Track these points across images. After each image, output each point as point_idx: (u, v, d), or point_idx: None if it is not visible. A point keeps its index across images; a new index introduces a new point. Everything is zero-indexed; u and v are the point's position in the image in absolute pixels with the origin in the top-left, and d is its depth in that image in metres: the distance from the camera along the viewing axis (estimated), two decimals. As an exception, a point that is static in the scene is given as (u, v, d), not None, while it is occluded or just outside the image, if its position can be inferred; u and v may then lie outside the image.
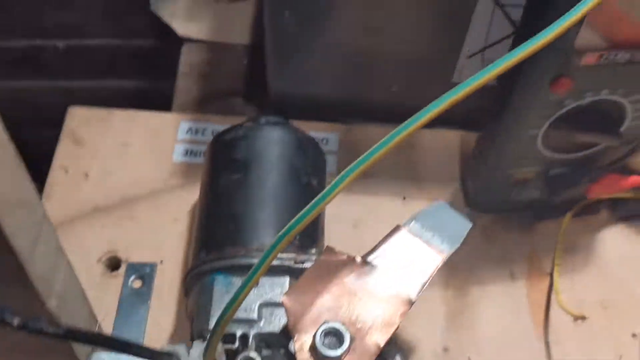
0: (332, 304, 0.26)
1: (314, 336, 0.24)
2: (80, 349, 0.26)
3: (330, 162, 0.43)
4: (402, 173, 0.43)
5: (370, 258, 0.27)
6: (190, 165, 0.43)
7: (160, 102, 0.52)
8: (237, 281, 0.30)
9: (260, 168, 0.34)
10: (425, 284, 0.27)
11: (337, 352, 0.24)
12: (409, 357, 0.37)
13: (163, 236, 0.40)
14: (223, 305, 0.23)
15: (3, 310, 0.18)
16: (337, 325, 0.24)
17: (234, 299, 0.23)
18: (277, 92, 0.45)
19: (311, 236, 0.33)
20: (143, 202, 0.41)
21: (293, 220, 0.22)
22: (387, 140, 0.24)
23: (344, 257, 0.27)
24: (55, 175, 0.43)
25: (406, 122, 0.25)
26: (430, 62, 0.41)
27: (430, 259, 0.27)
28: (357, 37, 0.39)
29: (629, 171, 0.40)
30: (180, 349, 0.27)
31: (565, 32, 0.24)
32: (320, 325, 0.25)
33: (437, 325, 0.38)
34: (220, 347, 0.28)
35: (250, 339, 0.28)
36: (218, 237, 0.33)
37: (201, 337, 0.29)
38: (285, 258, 0.31)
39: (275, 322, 0.29)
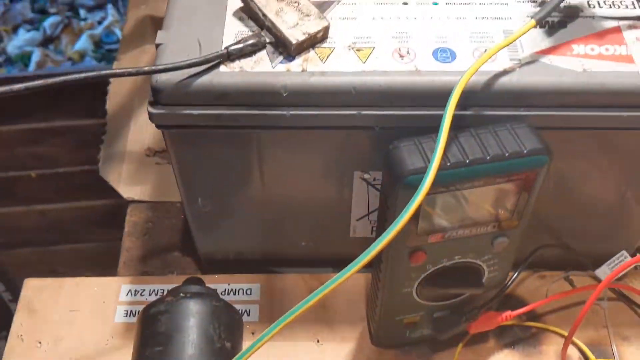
0: None
1: None
2: None
3: (253, 311, 0.50)
4: (314, 316, 0.50)
5: None
6: (130, 325, 0.49)
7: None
8: None
9: (179, 340, 0.41)
10: None
11: None
12: None
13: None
14: None
15: None
16: None
17: None
18: (203, 252, 0.52)
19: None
20: (89, 365, 0.47)
21: None
22: (288, 315, 0.32)
23: None
24: (13, 343, 0.49)
25: (311, 295, 0.33)
26: (329, 223, 0.48)
27: None
28: (267, 208, 0.47)
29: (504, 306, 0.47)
30: None
31: (405, 226, 0.32)
32: None
33: None
34: None
35: None
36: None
37: None
38: None
39: None
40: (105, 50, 1.54)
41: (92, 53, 1.55)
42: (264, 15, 0.38)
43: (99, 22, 1.51)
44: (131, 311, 0.50)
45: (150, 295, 0.51)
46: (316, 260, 0.51)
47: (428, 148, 0.35)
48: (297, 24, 0.37)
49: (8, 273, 1.23)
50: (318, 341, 0.49)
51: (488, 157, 0.35)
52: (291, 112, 0.38)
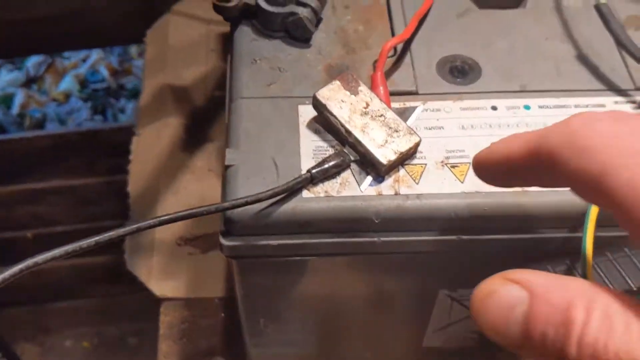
0: None
1: None
2: None
3: None
4: None
5: None
6: None
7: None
8: None
9: None
10: None
11: None
12: None
13: None
14: None
15: None
16: None
17: None
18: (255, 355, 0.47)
19: None
20: None
21: None
22: None
23: None
24: None
25: None
26: (400, 336, 0.44)
27: None
28: (335, 324, 0.42)
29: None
30: None
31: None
32: None
33: None
34: None
35: None
36: None
37: None
38: None
39: None
40: (91, 90, 1.49)
41: (77, 93, 1.50)
42: (347, 131, 0.34)
43: (83, 60, 1.46)
44: None
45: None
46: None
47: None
48: (386, 141, 0.33)
49: (-1, 333, 1.17)
50: None
51: (635, 288, 0.31)
52: (382, 239, 0.33)
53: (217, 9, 0.39)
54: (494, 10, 0.42)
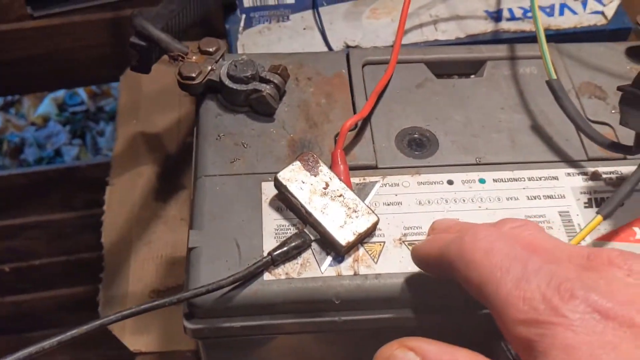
0: None
1: None
2: None
3: None
4: None
5: None
6: None
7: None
8: None
9: None
10: None
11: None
12: None
13: None
14: None
15: None
16: None
17: None
18: None
19: None
20: None
21: None
22: None
23: None
24: None
25: None
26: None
27: None
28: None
29: None
30: None
31: None
32: None
33: None
34: None
35: None
36: None
37: None
38: None
39: None
40: (69, 114, 1.49)
41: (55, 117, 1.50)
42: (307, 212, 0.35)
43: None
44: None
45: None
46: None
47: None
48: (345, 222, 0.34)
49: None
50: None
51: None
52: (343, 318, 0.34)
53: (182, 86, 0.40)
54: (452, 80, 0.44)
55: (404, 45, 0.48)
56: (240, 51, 0.49)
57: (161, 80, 0.72)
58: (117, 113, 0.73)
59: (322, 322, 0.34)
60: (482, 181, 0.38)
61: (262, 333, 0.35)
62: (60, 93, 1.46)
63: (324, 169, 0.36)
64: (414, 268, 0.34)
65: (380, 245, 0.35)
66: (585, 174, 0.39)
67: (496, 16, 0.52)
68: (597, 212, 0.34)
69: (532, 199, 0.37)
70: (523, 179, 0.38)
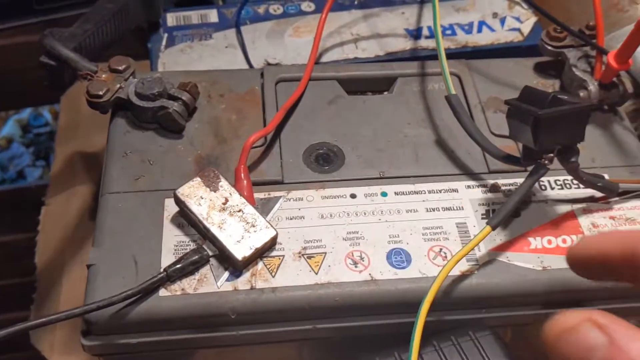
0: None
1: None
2: None
3: None
4: None
5: None
6: None
7: None
8: None
9: None
10: None
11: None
12: None
13: None
14: None
15: None
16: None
17: None
18: None
19: None
20: None
21: None
22: None
23: None
24: None
25: None
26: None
27: None
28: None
29: None
30: None
31: None
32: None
33: None
34: None
35: None
36: None
37: None
38: None
39: None
40: (33, 135, 1.48)
41: (19, 138, 1.48)
42: (205, 228, 0.35)
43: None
44: None
45: None
46: None
47: (392, 373, 0.33)
48: (243, 236, 0.35)
49: None
50: None
51: (458, 378, 0.33)
52: (240, 332, 0.35)
53: (90, 104, 0.40)
54: (362, 96, 0.44)
55: (319, 63, 0.49)
56: (160, 69, 0.50)
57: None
58: (56, 133, 0.73)
59: (220, 337, 0.35)
60: (384, 194, 0.39)
61: (160, 349, 0.35)
62: (25, 114, 1.45)
63: (224, 184, 0.37)
64: (311, 281, 0.35)
65: (279, 259, 0.36)
66: (485, 186, 0.39)
67: (415, 34, 0.53)
68: (487, 223, 0.34)
69: (431, 211, 0.38)
70: (424, 192, 0.39)
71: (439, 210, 0.38)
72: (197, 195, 0.36)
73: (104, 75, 0.41)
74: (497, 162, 0.40)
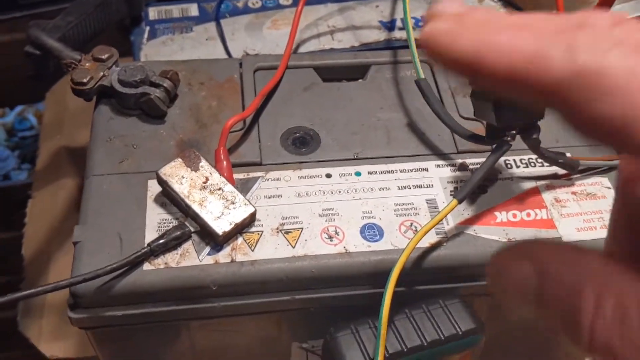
0: None
1: None
2: None
3: None
4: None
5: None
6: None
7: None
8: None
9: None
10: None
11: None
12: None
13: None
14: None
15: None
16: None
17: None
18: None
19: None
20: None
21: None
22: None
23: None
24: None
25: None
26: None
27: None
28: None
29: None
30: None
31: None
32: None
33: None
34: None
35: None
36: None
37: None
38: None
39: None
40: (18, 139, 1.48)
41: (4, 142, 1.49)
42: (187, 205, 0.37)
43: (11, 108, 1.45)
44: None
45: None
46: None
47: (366, 337, 0.35)
48: (223, 213, 0.37)
49: None
50: None
51: (426, 344, 0.35)
52: (222, 304, 0.36)
53: (75, 91, 0.42)
54: (337, 83, 0.46)
55: (296, 53, 0.51)
56: (143, 60, 0.51)
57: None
58: (41, 129, 0.75)
59: (202, 309, 0.36)
60: (357, 174, 0.41)
61: (145, 321, 0.36)
62: (10, 118, 1.45)
63: (204, 164, 0.38)
64: (288, 254, 0.37)
65: (258, 234, 0.37)
66: (453, 165, 0.42)
67: (389, 26, 0.55)
68: (453, 197, 0.36)
69: (402, 189, 0.40)
70: (395, 171, 0.41)
71: (409, 188, 0.40)
72: (178, 175, 0.38)
73: (87, 64, 0.43)
74: (465, 142, 0.42)
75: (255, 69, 0.46)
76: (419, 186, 0.40)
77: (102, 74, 0.42)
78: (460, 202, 0.36)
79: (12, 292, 0.34)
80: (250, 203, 0.37)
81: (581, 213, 0.39)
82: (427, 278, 0.37)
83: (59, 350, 0.56)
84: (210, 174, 0.38)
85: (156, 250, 0.36)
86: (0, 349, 0.96)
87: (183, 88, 0.45)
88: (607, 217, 0.39)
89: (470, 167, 0.41)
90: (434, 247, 0.37)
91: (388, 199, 0.39)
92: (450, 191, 0.40)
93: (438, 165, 0.41)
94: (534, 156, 0.42)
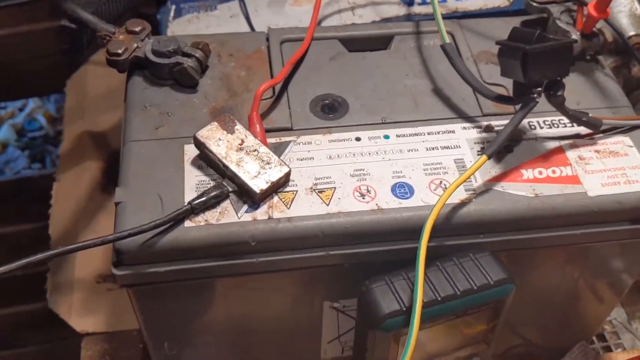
0: None
1: None
2: None
3: None
4: None
5: None
6: None
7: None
8: None
9: None
10: None
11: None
12: None
13: None
14: None
15: None
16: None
17: None
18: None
19: None
20: None
21: None
22: None
23: None
24: None
25: None
26: (299, 349, 0.47)
27: None
28: (235, 342, 0.46)
29: None
30: None
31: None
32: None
33: None
34: None
35: None
36: None
37: None
38: None
39: None
40: (28, 139, 1.50)
41: (14, 142, 1.50)
42: (224, 166, 0.38)
43: (20, 109, 1.47)
44: None
45: None
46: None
47: (400, 288, 0.36)
48: (259, 172, 0.38)
49: None
50: None
51: (459, 293, 0.36)
52: (260, 259, 0.38)
53: (110, 62, 0.43)
54: (362, 53, 0.48)
55: (321, 26, 0.52)
56: (170, 38, 0.53)
57: (105, 82, 0.75)
58: (64, 115, 0.76)
59: (241, 264, 0.37)
60: (386, 137, 0.42)
61: (186, 277, 0.38)
62: (19, 119, 1.47)
63: (239, 128, 0.40)
64: (323, 211, 0.38)
65: (293, 193, 0.39)
66: (479, 127, 0.43)
67: (409, 1, 0.57)
68: (482, 153, 0.38)
69: (430, 150, 0.41)
70: (423, 134, 0.42)
71: (437, 149, 0.41)
72: (215, 137, 0.39)
73: (121, 37, 0.44)
74: (490, 105, 0.43)
75: (282, 40, 0.47)
76: (447, 147, 0.41)
77: (135, 45, 0.44)
78: (489, 157, 0.37)
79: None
80: (285, 163, 0.39)
81: (605, 170, 0.41)
82: (458, 232, 0.39)
83: (90, 325, 0.58)
84: (246, 136, 0.39)
85: (196, 208, 0.37)
86: (29, 324, 0.97)
87: (213, 59, 0.46)
88: (630, 173, 0.41)
89: (496, 128, 0.42)
90: (464, 203, 0.39)
91: (417, 159, 0.41)
92: (477, 151, 0.41)
93: (464, 128, 0.43)
94: (557, 117, 0.43)
